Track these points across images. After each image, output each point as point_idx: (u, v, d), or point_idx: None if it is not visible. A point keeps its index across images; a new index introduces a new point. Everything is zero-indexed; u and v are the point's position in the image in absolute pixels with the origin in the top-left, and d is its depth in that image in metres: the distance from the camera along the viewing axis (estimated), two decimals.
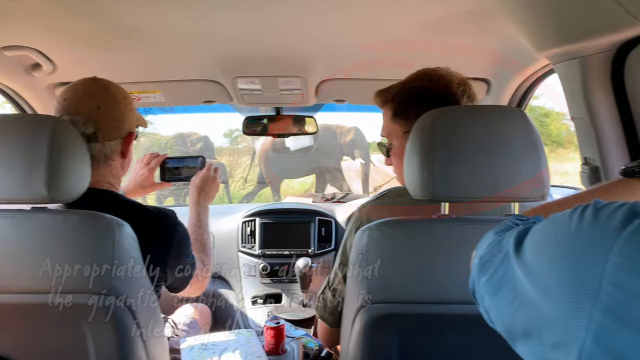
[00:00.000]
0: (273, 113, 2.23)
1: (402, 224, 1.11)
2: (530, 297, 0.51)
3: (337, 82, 1.94)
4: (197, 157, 1.76)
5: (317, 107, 2.45)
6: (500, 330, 0.59)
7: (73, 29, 1.45)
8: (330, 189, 8.48)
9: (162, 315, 1.88)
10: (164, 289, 1.43)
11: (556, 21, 1.13)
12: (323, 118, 8.69)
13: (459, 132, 1.06)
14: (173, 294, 1.52)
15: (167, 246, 1.33)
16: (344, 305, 1.23)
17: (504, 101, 1.85)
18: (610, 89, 1.19)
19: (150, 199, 8.59)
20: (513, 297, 0.55)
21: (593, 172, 1.27)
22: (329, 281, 1.39)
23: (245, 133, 2.21)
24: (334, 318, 1.36)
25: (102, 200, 1.29)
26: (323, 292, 1.39)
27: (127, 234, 1.15)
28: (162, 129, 10.55)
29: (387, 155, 1.42)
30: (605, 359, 0.42)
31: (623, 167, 0.87)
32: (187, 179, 1.72)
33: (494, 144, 1.05)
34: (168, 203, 8.23)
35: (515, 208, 1.12)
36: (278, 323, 1.69)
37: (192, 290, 1.50)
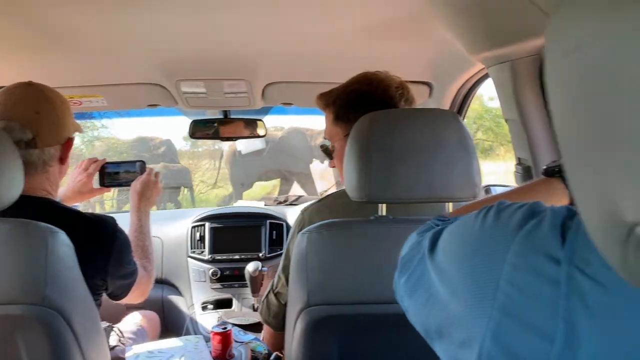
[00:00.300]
0: (220, 116, 2.22)
1: (340, 226, 1.12)
2: (442, 298, 0.53)
3: (283, 85, 1.93)
4: (137, 161, 1.74)
5: (266, 110, 2.44)
6: (419, 330, 0.60)
7: (5, 32, 1.40)
8: (299, 192, 8.46)
9: (107, 324, 1.85)
10: (105, 296, 1.40)
11: (486, 25, 1.17)
12: (292, 121, 8.71)
13: (394, 135, 1.08)
14: (121, 302, 1.49)
15: (107, 254, 1.30)
16: (287, 309, 1.23)
17: (446, 103, 1.89)
18: (539, 91, 1.23)
19: (108, 205, 8.40)
20: (427, 298, 0.56)
21: (526, 172, 1.32)
22: (272, 285, 1.39)
23: (192, 137, 2.19)
24: (278, 322, 1.36)
25: (37, 208, 1.25)
26: (267, 296, 1.39)
27: (62, 242, 1.12)
28: (120, 132, 10.32)
29: (330, 157, 1.43)
30: (502, 357, 0.43)
31: (545, 167, 0.90)
32: (128, 183, 1.70)
33: (428, 146, 1.07)
34: (128, 208, 8.02)
35: (450, 208, 1.14)
36: (225, 328, 1.68)
37: (134, 297, 1.47)
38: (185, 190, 9.64)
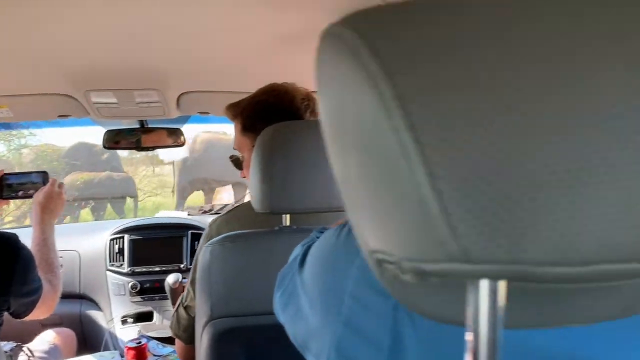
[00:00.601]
0: (137, 126, 2.17)
1: (243, 238, 1.13)
2: (304, 311, 0.54)
3: (198, 95, 1.91)
4: (39, 172, 1.68)
5: (185, 119, 2.41)
6: (293, 343, 0.61)
7: None
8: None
9: (15, 344, 1.77)
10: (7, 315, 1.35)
11: None
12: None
13: (295, 147, 1.10)
14: (25, 319, 1.44)
15: (10, 273, 1.26)
16: (195, 321, 1.22)
17: None
18: None
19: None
20: (295, 312, 0.57)
21: None
22: (182, 298, 1.37)
23: (106, 147, 2.13)
24: (188, 335, 1.35)
25: None
26: (177, 310, 1.38)
27: None
28: (54, 139, 9.86)
29: (240, 168, 1.43)
30: None
31: None
32: (29, 195, 1.63)
33: (327, 157, 1.10)
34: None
35: None
36: (139, 342, 1.65)
37: (39, 312, 1.42)
38: (130, 199, 9.40)
